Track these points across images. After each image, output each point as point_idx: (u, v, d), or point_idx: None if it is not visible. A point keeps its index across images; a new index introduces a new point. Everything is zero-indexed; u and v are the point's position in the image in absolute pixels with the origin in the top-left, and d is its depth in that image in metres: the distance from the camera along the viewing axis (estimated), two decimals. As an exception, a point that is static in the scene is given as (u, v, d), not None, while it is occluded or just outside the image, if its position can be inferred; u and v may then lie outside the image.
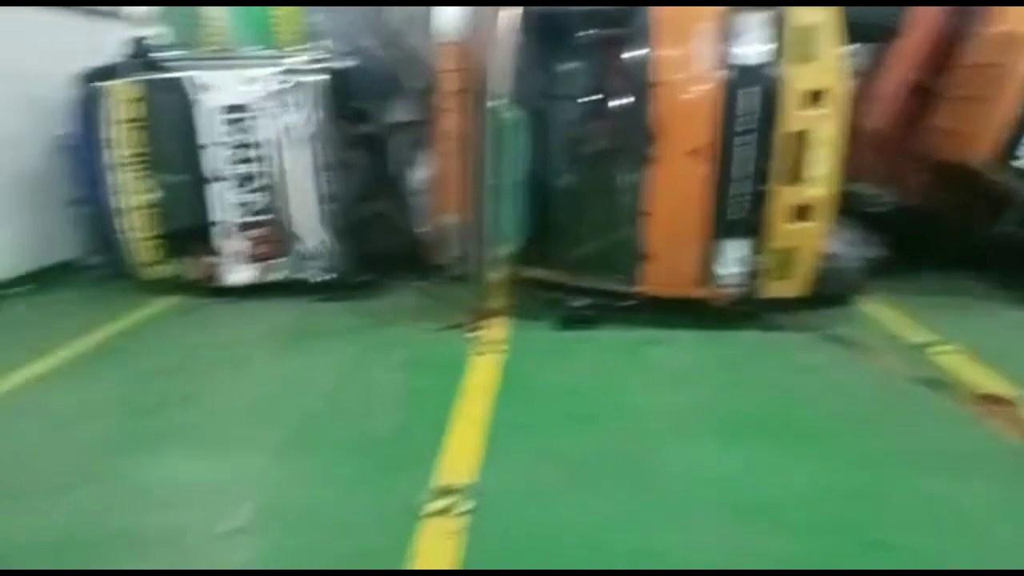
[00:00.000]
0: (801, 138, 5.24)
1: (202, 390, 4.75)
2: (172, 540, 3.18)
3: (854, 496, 3.43)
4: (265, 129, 6.33)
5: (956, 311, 5.98)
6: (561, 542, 3.11)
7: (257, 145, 6.38)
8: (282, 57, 6.74)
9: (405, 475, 3.59)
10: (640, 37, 5.44)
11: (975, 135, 5.96)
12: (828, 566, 2.94)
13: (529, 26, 5.69)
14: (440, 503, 3.33)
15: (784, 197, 5.28)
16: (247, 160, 6.41)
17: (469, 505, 3.32)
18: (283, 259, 6.70)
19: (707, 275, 5.43)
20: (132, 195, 6.56)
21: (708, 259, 5.41)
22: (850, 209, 6.74)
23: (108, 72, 7.05)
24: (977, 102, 6.04)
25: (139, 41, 7.22)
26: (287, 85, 6.23)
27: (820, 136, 5.20)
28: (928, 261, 6.77)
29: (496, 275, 5.89)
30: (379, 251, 6.93)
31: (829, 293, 5.74)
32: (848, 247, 6.09)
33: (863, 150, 6.64)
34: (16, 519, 3.37)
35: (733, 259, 5.39)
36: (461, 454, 3.78)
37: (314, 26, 7.57)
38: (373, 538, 3.16)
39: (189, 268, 6.68)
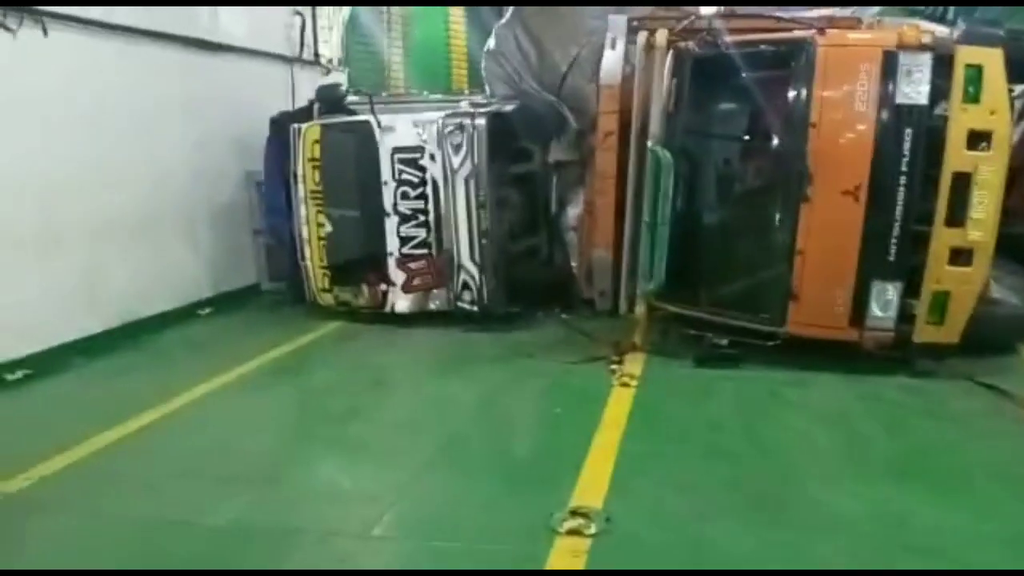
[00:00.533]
0: (964, 180, 5.08)
1: (363, 406, 5.22)
2: (326, 539, 3.54)
3: (995, 540, 3.32)
4: (432, 169, 6.84)
5: None
6: (679, 560, 3.22)
7: (423, 183, 6.89)
8: (451, 102, 7.28)
9: (541, 494, 3.81)
10: (802, 76, 5.47)
11: None
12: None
13: (687, 69, 5.87)
14: (572, 523, 3.51)
15: (943, 239, 5.12)
16: (415, 197, 6.93)
17: (598, 527, 3.48)
18: (441, 290, 7.16)
19: (857, 317, 5.32)
20: (314, 226, 7.25)
21: (859, 301, 5.30)
22: (1016, 252, 6.41)
23: (299, 115, 7.91)
24: None
25: (329, 87, 8.02)
26: (452, 128, 6.70)
27: (983, 178, 5.02)
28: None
29: (641, 310, 6.04)
30: (529, 285, 7.27)
31: (987, 340, 5.45)
32: (1011, 293, 5.78)
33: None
34: (198, 505, 3.86)
35: (885, 302, 5.26)
36: (595, 479, 3.95)
37: (484, 71, 8.06)
38: (509, 549, 3.38)
39: (359, 295, 7.27)
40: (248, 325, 7.63)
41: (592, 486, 3.88)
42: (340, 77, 10.44)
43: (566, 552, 3.32)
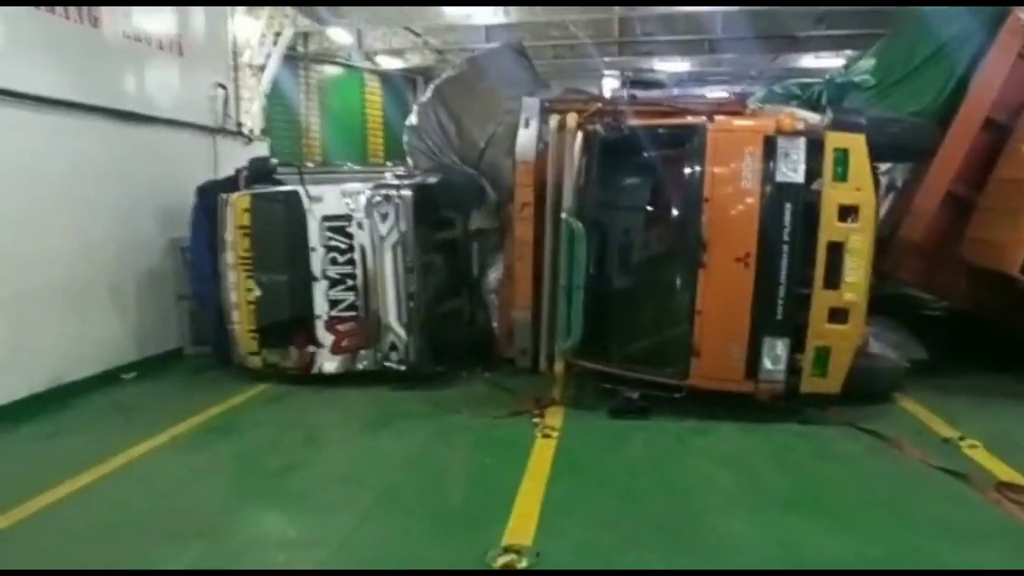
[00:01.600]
0: (837, 248, 5.82)
1: (299, 462, 5.45)
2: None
3: (879, 561, 3.86)
4: (359, 236, 7.22)
5: (987, 408, 6.30)
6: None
7: (351, 249, 7.26)
8: (376, 173, 7.72)
9: (477, 534, 4.16)
10: (696, 156, 6.15)
11: (1005, 245, 6.39)
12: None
13: (596, 147, 6.50)
14: (505, 558, 3.87)
15: (822, 300, 5.82)
16: (343, 262, 7.28)
17: (530, 562, 3.85)
18: (367, 351, 7.45)
19: (751, 371, 5.93)
20: (242, 291, 7.48)
21: (752, 356, 5.92)
22: (901, 311, 7.23)
23: (226, 184, 8.17)
24: (1008, 213, 6.50)
25: (260, 159, 8.33)
26: (380, 199, 7.12)
27: (853, 247, 5.77)
28: (973, 361, 7.13)
29: (559, 367, 6.51)
30: (453, 344, 7.66)
31: (866, 390, 6.15)
32: (887, 348, 6.54)
33: (909, 258, 7.19)
34: (150, 556, 4.04)
35: (775, 356, 5.89)
36: (524, 520, 4.33)
37: (405, 144, 8.55)
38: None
39: (287, 357, 7.49)
40: (176, 388, 7.71)
41: (522, 526, 4.26)
42: (262, 147, 10.75)
43: (502, 585, 3.67)
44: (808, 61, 16.33)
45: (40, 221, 6.90)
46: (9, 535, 4.32)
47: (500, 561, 3.85)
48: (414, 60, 16.76)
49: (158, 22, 8.63)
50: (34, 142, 6.85)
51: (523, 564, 3.83)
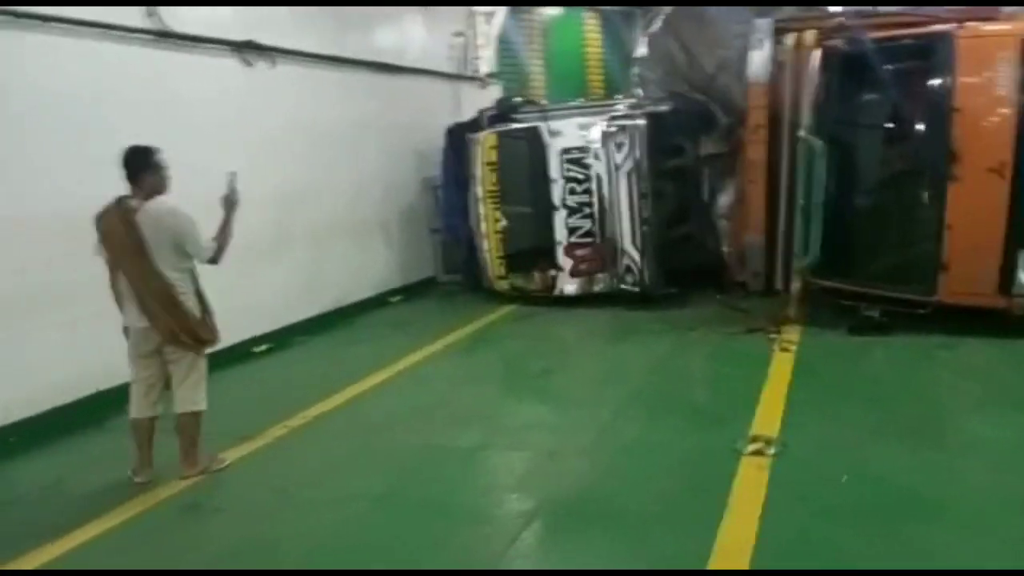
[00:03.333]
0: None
1: (554, 366, 6.13)
2: (552, 456, 4.43)
3: None
4: (596, 166, 7.70)
5: None
6: (849, 473, 3.89)
7: (588, 179, 7.76)
8: (607, 106, 8.12)
9: (724, 428, 4.57)
10: (944, 66, 5.95)
11: None
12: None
13: (835, 64, 6.45)
14: (754, 446, 4.25)
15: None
16: (581, 192, 7.82)
17: (776, 450, 4.20)
18: (603, 274, 7.99)
19: (1004, 285, 5.75)
20: (491, 222, 8.26)
21: (1006, 270, 5.73)
22: None
23: (470, 125, 8.95)
24: None
25: (505, 99, 9.03)
26: (613, 129, 7.53)
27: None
28: None
29: (796, 285, 6.64)
30: (685, 268, 7.98)
31: None
32: None
33: None
34: (444, 436, 4.88)
35: (1031, 270, 5.66)
36: (769, 417, 4.67)
37: (636, 75, 8.86)
38: (701, 467, 4.16)
39: (531, 281, 8.21)
40: (436, 309, 8.74)
41: (767, 422, 4.60)
42: (495, 90, 11.49)
43: (752, 467, 4.06)
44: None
45: (325, 164, 8.03)
46: (332, 415, 5.35)
47: (749, 448, 4.23)
48: (631, -6, 16.71)
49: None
50: (315, 96, 7.94)
51: (771, 451, 4.18)
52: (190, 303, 4.33)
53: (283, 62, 7.46)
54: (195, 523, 3.95)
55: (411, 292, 9.29)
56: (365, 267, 8.73)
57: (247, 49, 7.05)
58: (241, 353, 6.76)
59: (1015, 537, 3.22)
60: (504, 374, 6.22)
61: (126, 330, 4.38)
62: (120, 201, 4.26)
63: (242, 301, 6.87)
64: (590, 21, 17.64)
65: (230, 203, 4.43)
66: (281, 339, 7.24)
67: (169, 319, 4.24)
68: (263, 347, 7.05)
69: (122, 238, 4.20)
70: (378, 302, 8.79)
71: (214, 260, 4.34)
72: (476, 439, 4.77)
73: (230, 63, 6.93)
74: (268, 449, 4.79)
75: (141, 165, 4.25)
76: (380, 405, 5.55)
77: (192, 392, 4.38)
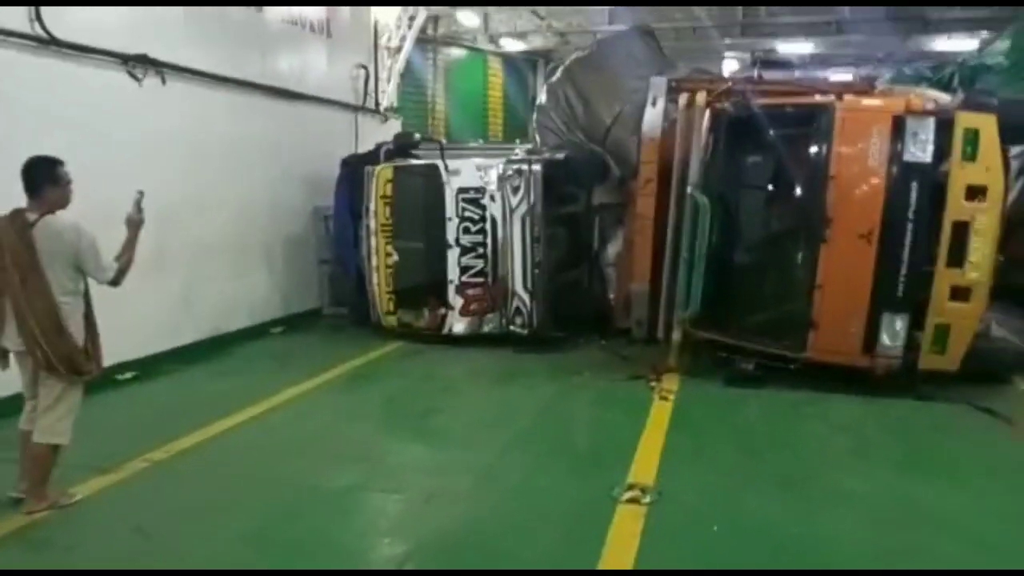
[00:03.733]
0: (962, 228, 5.89)
1: (439, 406, 6.04)
2: (422, 500, 4.33)
3: (992, 516, 4.08)
4: (491, 208, 7.74)
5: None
6: (719, 521, 3.99)
7: (483, 220, 7.79)
8: (506, 149, 8.21)
9: (603, 474, 4.58)
10: (823, 135, 6.30)
11: None
12: None
13: (723, 125, 6.74)
14: (630, 494, 4.28)
15: (945, 278, 5.91)
16: (475, 232, 7.83)
17: (652, 498, 4.24)
18: (494, 315, 7.99)
19: (868, 345, 6.09)
20: (382, 256, 8.14)
21: (871, 331, 6.07)
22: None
23: (368, 157, 8.85)
24: None
25: (404, 134, 8.99)
26: (510, 173, 7.60)
27: (979, 227, 5.83)
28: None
29: (677, 335, 6.83)
30: (573, 313, 8.08)
31: (985, 371, 6.20)
32: (1009, 334, 6.53)
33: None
34: (318, 474, 4.67)
35: (894, 332, 6.02)
36: (646, 464, 4.73)
37: (534, 123, 9.01)
38: (578, 514, 4.14)
39: (421, 317, 8.11)
40: (319, 342, 8.49)
41: (644, 470, 4.66)
42: (396, 124, 11.46)
43: (627, 515, 4.08)
44: (940, 44, 15.68)
45: (208, 183, 7.71)
46: (198, 450, 5.05)
47: (626, 496, 4.26)
48: (536, 42, 17.14)
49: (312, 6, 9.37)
50: (206, 115, 7.67)
51: (647, 500, 4.22)
52: (74, 328, 4.05)
53: (173, 78, 7.19)
54: (44, 562, 3.62)
55: (294, 323, 9.01)
56: (246, 294, 8.41)
57: (137, 62, 6.76)
58: (103, 380, 6.32)
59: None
60: (386, 413, 6.06)
61: (3, 352, 4.08)
62: (15, 213, 3.97)
63: (106, 322, 6.39)
64: (494, 64, 17.98)
65: (134, 222, 4.21)
66: (149, 367, 6.83)
67: (47, 344, 3.95)
68: (128, 375, 6.64)
69: (14, 253, 3.91)
70: (258, 332, 8.47)
71: (115, 282, 4.13)
72: (352, 479, 4.60)
73: (116, 74, 6.62)
74: (127, 484, 4.49)
75: (43, 178, 4.00)
76: (252, 441, 5.30)
77: (55, 422, 4.07)
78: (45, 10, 5.85)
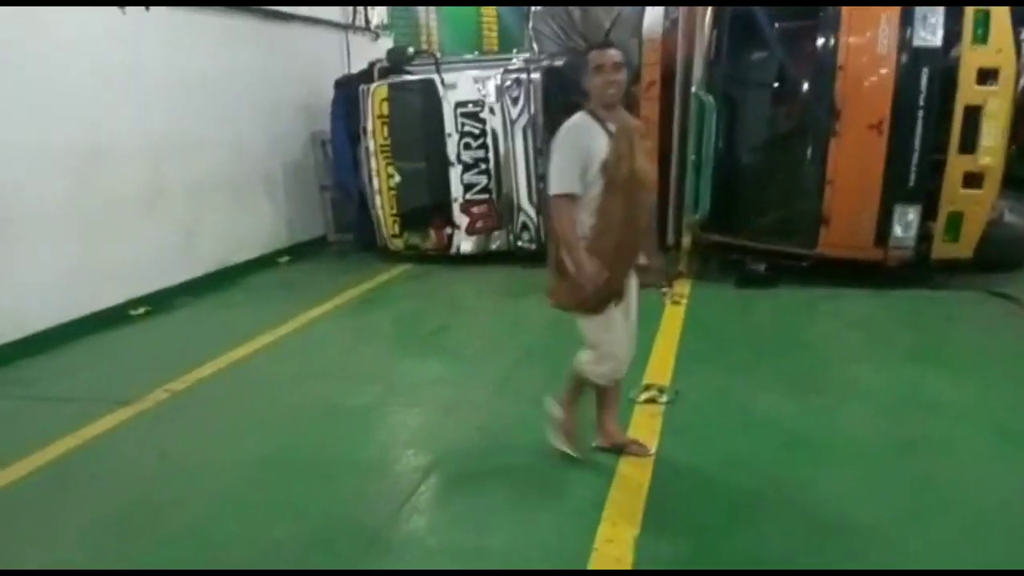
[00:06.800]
0: (974, 112, 5.75)
1: (448, 324, 6.05)
2: (441, 412, 4.38)
3: (997, 410, 4.08)
4: (491, 121, 7.58)
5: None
6: (736, 419, 4.02)
7: (484, 134, 7.63)
8: (504, 60, 7.98)
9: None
10: (830, 25, 6.11)
11: None
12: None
13: (726, 21, 6.52)
14: (647, 395, 4.30)
15: (957, 165, 5.81)
16: (476, 147, 7.68)
17: (669, 397, 4.27)
18: (501, 232, 7.92)
19: (881, 238, 6.03)
20: (384, 178, 8.03)
21: (883, 223, 6.00)
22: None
23: (361, 77, 8.61)
24: None
25: (397, 49, 8.73)
26: (511, 83, 7.41)
27: (991, 110, 5.69)
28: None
29: (687, 240, 6.77)
30: (581, 224, 7.98)
31: (999, 258, 6.16)
32: (1022, 219, 6.45)
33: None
34: (336, 395, 4.70)
35: (906, 223, 5.96)
36: (661, 367, 4.75)
37: (531, 29, 8.73)
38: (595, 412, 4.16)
39: (427, 239, 8.05)
40: (327, 269, 8.45)
41: (659, 371, 4.68)
42: (388, 42, 11.13)
43: (645, 415, 4.11)
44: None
45: (204, 115, 7.55)
46: (213, 380, 5.07)
47: (643, 396, 4.29)
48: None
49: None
50: (194, 41, 7.42)
51: (663, 399, 4.25)
52: None
53: (157, 6, 6.95)
54: (70, 490, 3.67)
55: (300, 252, 8.96)
56: (250, 226, 8.34)
57: (117, -12, 6.53)
58: (117, 316, 6.38)
59: (901, 479, 3.38)
60: (398, 333, 6.09)
61: None
62: None
63: (114, 261, 6.47)
64: (485, -25, 17.32)
65: None
66: (160, 301, 6.84)
67: None
68: (141, 310, 6.65)
69: None
70: (265, 263, 8.43)
71: None
72: (370, 397, 4.64)
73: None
74: (148, 414, 4.51)
75: None
76: (267, 368, 5.32)
77: None
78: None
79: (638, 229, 3.42)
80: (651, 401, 4.25)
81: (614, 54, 3.23)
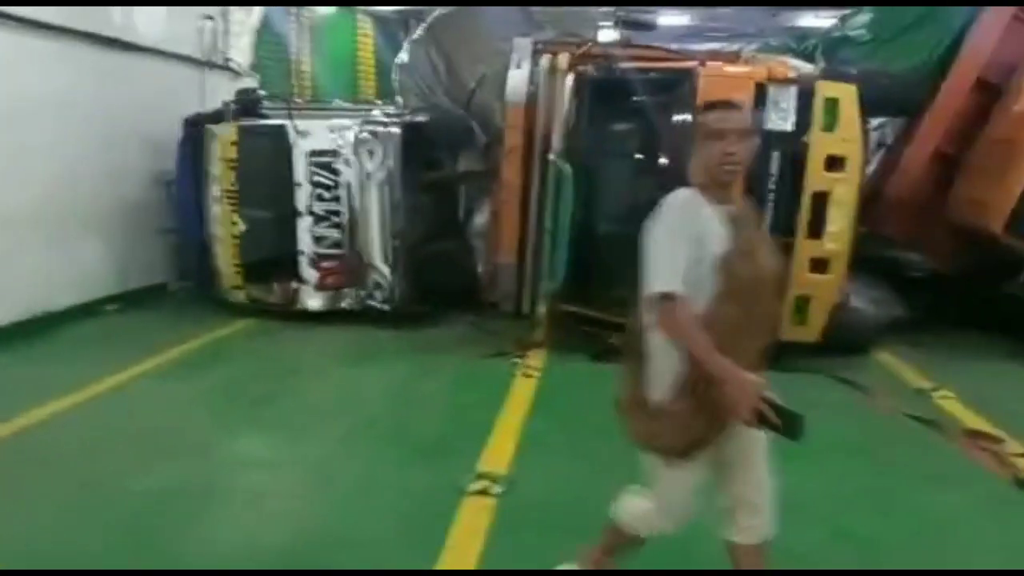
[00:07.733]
0: (822, 198, 5.84)
1: (280, 391, 5.50)
2: (251, 499, 3.87)
3: (848, 498, 3.99)
4: (347, 173, 7.17)
5: (962, 363, 6.38)
6: (574, 513, 3.68)
7: (338, 186, 7.21)
8: (364, 110, 7.64)
9: (451, 462, 4.23)
10: (686, 101, 6.08)
11: (992, 204, 6.42)
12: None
13: (586, 90, 6.43)
14: (479, 484, 3.94)
15: (804, 250, 5.86)
16: (329, 199, 7.24)
17: (503, 488, 3.92)
18: (351, 289, 7.46)
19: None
20: (227, 225, 7.44)
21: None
22: (887, 272, 7.24)
23: (213, 117, 8.06)
24: (995, 173, 6.52)
25: (247, 91, 8.22)
26: (366, 135, 7.06)
27: (838, 197, 5.79)
28: (951, 320, 7.22)
29: (542, 309, 6.54)
30: (440, 287, 7.66)
31: (844, 342, 6.23)
32: (868, 303, 6.60)
33: (894, 214, 7.21)
34: (142, 475, 4.08)
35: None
36: (500, 450, 4.40)
37: (396, 83, 8.45)
38: (422, 509, 3.77)
39: (271, 293, 7.49)
40: (159, 320, 7.72)
41: (497, 456, 4.34)
42: (251, 82, 10.59)
43: (475, 508, 3.73)
44: (808, 20, 16.11)
45: (17, 145, 6.78)
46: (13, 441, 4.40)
47: (473, 487, 3.92)
48: None
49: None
50: (20, 67, 6.73)
51: (496, 490, 3.90)
52: None
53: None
54: None
55: (133, 300, 8.18)
56: (71, 269, 7.52)
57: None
58: None
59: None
60: (222, 399, 5.46)
61: None
62: None
63: None
64: (363, 24, 17.11)
65: None
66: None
67: None
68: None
69: None
70: (88, 311, 7.61)
71: None
72: (165, 479, 4.03)
73: None
74: None
75: None
76: (59, 436, 4.64)
77: None
78: None
79: (755, 350, 2.57)
80: (483, 492, 3.88)
81: (741, 119, 2.50)
